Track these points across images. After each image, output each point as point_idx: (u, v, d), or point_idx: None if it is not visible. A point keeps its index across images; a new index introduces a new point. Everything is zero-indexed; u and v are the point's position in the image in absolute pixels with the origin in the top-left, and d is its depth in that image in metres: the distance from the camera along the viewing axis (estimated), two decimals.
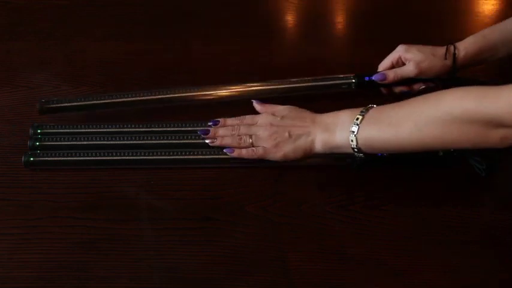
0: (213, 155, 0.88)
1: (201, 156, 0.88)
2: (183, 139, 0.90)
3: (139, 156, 0.88)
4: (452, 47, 0.94)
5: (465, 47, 0.94)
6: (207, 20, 1.20)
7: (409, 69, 0.96)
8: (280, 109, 0.89)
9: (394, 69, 0.98)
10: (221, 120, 0.90)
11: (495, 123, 0.71)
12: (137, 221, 0.82)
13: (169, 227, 0.81)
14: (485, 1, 1.25)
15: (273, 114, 0.88)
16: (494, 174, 0.87)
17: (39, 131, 0.92)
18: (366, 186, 0.86)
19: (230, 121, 0.90)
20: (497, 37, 0.94)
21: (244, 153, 0.86)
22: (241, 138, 0.87)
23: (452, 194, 0.86)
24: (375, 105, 0.82)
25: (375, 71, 1.00)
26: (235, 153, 0.86)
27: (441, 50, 0.95)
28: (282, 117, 0.87)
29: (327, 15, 1.25)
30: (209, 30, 1.17)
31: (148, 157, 0.88)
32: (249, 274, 0.76)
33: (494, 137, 0.73)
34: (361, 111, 0.81)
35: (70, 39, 1.14)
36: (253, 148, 0.86)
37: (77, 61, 1.09)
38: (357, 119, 0.80)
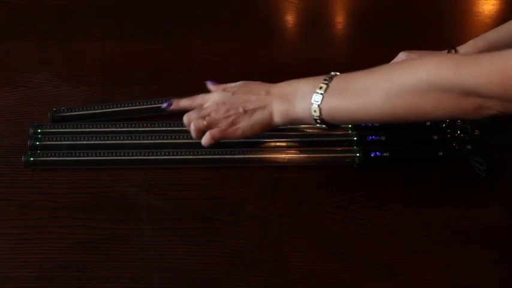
0: (213, 155, 0.88)
1: (201, 156, 0.88)
2: (183, 139, 0.90)
3: (139, 156, 0.88)
4: (452, 51, 0.94)
5: (465, 51, 0.94)
6: (207, 20, 1.20)
7: None
8: (232, 85, 0.85)
9: None
10: (174, 102, 0.87)
11: (471, 93, 0.67)
12: (137, 221, 0.82)
13: (169, 227, 0.81)
14: (485, 1, 1.25)
15: (225, 91, 0.84)
16: (494, 175, 0.87)
17: (39, 130, 0.92)
18: (366, 186, 0.86)
19: (182, 102, 0.86)
20: (499, 40, 0.93)
21: (204, 142, 0.83)
22: (194, 124, 0.83)
23: (452, 194, 0.86)
24: (338, 73, 0.78)
25: None
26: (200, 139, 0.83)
27: None
28: (234, 93, 0.82)
29: (327, 15, 1.25)
30: (209, 30, 1.17)
31: (148, 157, 0.88)
32: (249, 274, 0.76)
33: (469, 106, 0.69)
34: (325, 79, 0.76)
35: (70, 39, 1.14)
36: (210, 132, 0.82)
37: (77, 61, 1.09)
38: (320, 87, 0.76)
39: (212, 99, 0.83)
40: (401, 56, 0.97)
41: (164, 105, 0.88)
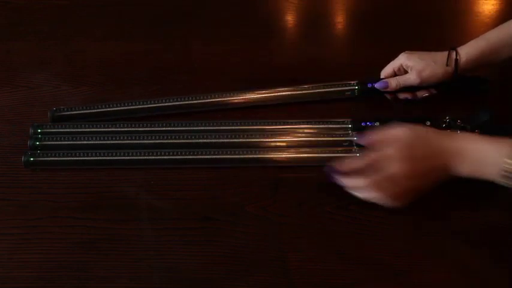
0: (213, 155, 0.88)
1: (201, 156, 0.88)
2: (183, 139, 0.90)
3: (139, 156, 0.88)
4: (454, 53, 0.93)
5: (466, 52, 0.94)
6: (207, 20, 1.20)
7: (411, 78, 0.95)
8: (393, 138, 0.80)
9: (396, 77, 0.97)
10: (339, 166, 0.81)
11: None
12: (137, 221, 0.82)
13: (169, 227, 0.81)
14: (485, 1, 1.25)
15: (400, 151, 0.79)
16: None
17: (39, 130, 0.92)
18: None
19: (353, 165, 0.81)
20: (500, 40, 0.93)
21: (388, 205, 0.80)
22: (381, 191, 0.78)
23: (452, 194, 0.86)
24: None
25: (377, 76, 1.00)
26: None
27: (442, 57, 0.94)
28: (409, 155, 0.78)
29: (327, 15, 1.25)
30: (209, 30, 1.17)
31: (148, 157, 0.88)
32: (249, 274, 0.76)
33: None
34: None
35: (70, 39, 1.14)
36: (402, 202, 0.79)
37: (77, 61, 1.09)
38: None
39: (392, 167, 0.78)
40: (402, 57, 0.97)
41: (329, 172, 0.82)
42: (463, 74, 0.94)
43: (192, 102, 0.98)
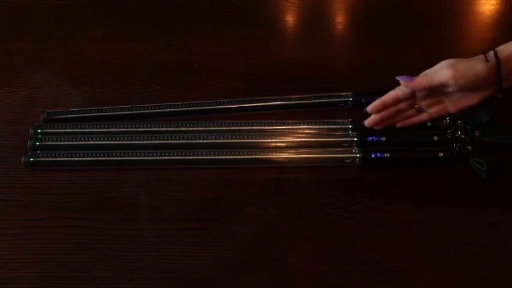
0: (213, 155, 0.88)
1: (201, 157, 0.88)
2: (184, 139, 0.90)
3: (139, 156, 0.88)
4: (491, 52, 0.78)
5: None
6: (207, 20, 1.20)
7: (444, 74, 0.79)
8: None
9: (424, 73, 0.81)
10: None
11: None
12: (137, 221, 0.82)
13: (169, 227, 0.81)
14: (485, 1, 1.25)
15: None
16: (494, 175, 0.87)
17: (39, 131, 0.92)
18: (366, 187, 0.86)
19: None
20: None
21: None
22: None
23: (452, 194, 0.86)
24: None
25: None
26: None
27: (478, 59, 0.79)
28: None
29: (327, 15, 1.25)
30: (209, 30, 1.17)
31: (148, 157, 0.88)
32: (249, 274, 0.76)
33: None
34: None
35: (70, 39, 1.14)
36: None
37: (77, 61, 1.09)
38: None
39: None
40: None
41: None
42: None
43: (186, 109, 0.97)
